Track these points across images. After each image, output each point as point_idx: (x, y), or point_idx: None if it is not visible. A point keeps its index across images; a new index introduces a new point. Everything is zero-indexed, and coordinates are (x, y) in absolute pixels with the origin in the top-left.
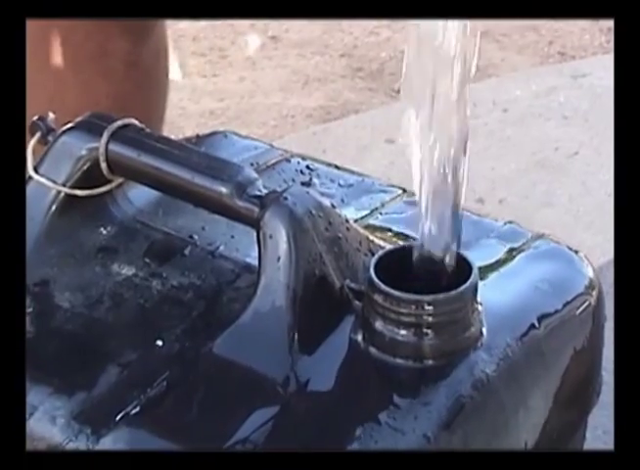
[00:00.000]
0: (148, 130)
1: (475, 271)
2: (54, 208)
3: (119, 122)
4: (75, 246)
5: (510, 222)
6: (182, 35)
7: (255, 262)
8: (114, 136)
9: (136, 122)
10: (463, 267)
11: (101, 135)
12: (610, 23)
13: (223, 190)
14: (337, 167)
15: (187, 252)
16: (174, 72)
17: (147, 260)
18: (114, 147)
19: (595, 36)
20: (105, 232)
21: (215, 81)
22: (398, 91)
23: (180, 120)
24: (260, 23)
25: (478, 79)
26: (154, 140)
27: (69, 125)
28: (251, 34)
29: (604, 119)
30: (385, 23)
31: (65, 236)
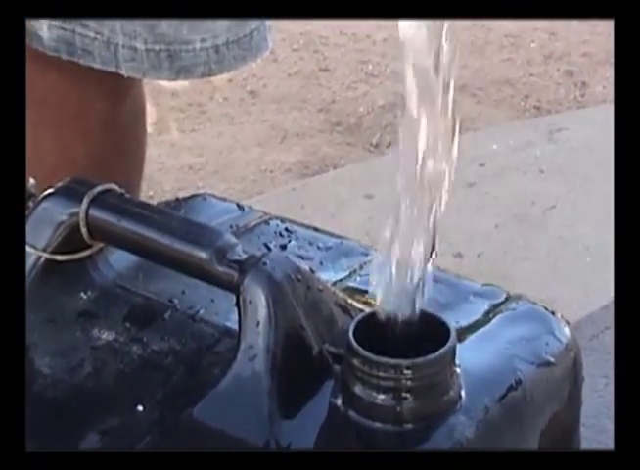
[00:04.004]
0: (128, 195)
1: (453, 335)
2: (34, 273)
3: (100, 188)
4: (56, 311)
5: (487, 284)
6: (161, 91)
7: (236, 326)
8: (94, 202)
9: (116, 188)
10: (441, 330)
11: (81, 201)
12: (583, 78)
13: (203, 255)
14: (315, 230)
15: (167, 316)
16: (152, 128)
17: (127, 325)
18: (95, 212)
19: (570, 90)
20: (85, 297)
21: (194, 136)
22: (376, 145)
23: (159, 176)
24: (239, 78)
25: None
26: (134, 205)
27: (50, 191)
28: (229, 89)
29: (580, 173)
30: (362, 77)
31: (45, 301)
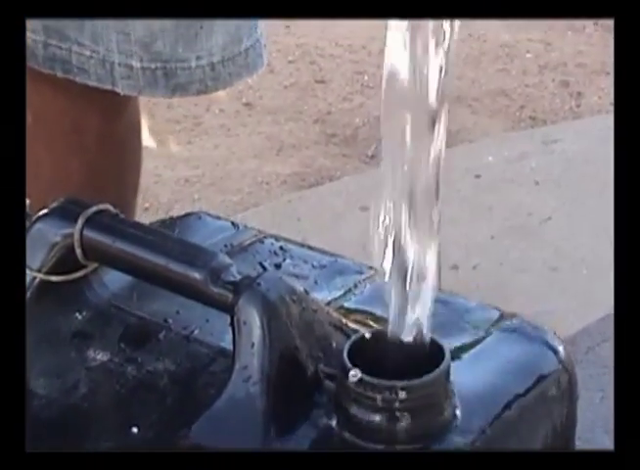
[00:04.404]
0: (122, 216)
1: (447, 356)
2: (29, 293)
3: (94, 208)
4: (51, 331)
5: (481, 302)
6: (156, 103)
7: (230, 346)
8: (88, 222)
9: (110, 208)
10: (436, 351)
11: (75, 221)
12: (579, 88)
13: (197, 276)
14: (310, 248)
15: (162, 336)
16: (148, 140)
17: (122, 345)
18: (89, 233)
19: (565, 100)
20: (80, 317)
21: (190, 148)
22: (372, 157)
23: (155, 188)
24: (234, 90)
25: (450, 144)
26: (128, 226)
27: (44, 211)
28: (225, 101)
29: (575, 185)
30: (358, 89)
31: (40, 322)
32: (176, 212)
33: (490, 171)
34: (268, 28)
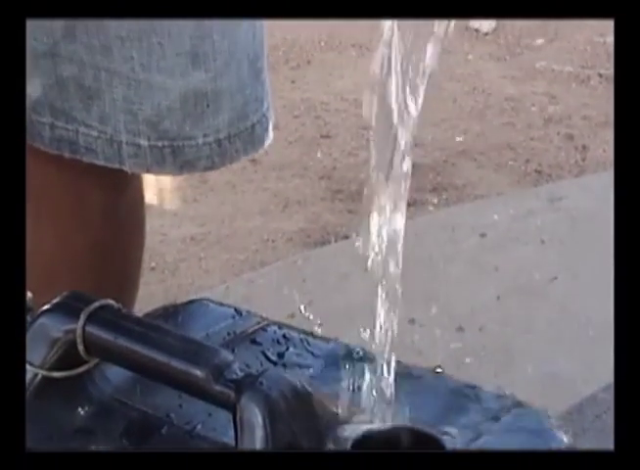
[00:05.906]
0: (125, 311)
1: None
2: (31, 389)
3: (96, 304)
4: (53, 427)
5: (488, 389)
6: None
7: (232, 442)
8: (90, 318)
9: (113, 303)
10: (435, 446)
11: (78, 317)
12: (584, 141)
13: (199, 374)
14: (313, 335)
15: (164, 431)
16: (154, 198)
17: (124, 441)
18: (91, 329)
19: (570, 154)
20: (82, 412)
21: (196, 206)
22: None
23: (161, 247)
24: None
25: (456, 199)
26: (130, 322)
27: (47, 307)
28: None
29: (581, 243)
30: (363, 143)
31: (42, 417)
32: (182, 272)
33: (496, 230)
34: (273, 83)
